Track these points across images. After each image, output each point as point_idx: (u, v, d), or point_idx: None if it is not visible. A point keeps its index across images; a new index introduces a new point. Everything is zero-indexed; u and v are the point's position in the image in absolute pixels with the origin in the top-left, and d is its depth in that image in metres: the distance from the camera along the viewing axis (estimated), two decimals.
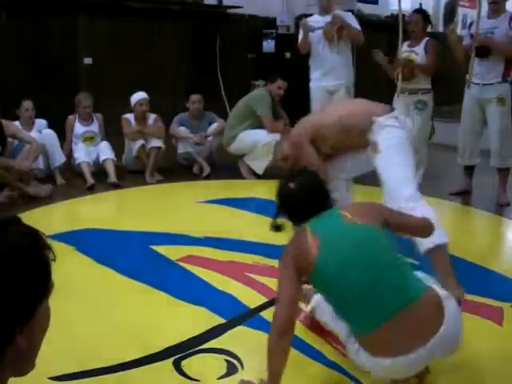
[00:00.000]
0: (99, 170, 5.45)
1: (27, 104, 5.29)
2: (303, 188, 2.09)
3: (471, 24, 4.70)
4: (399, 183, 2.79)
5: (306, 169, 2.34)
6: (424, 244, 2.67)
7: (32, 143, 4.94)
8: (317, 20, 5.37)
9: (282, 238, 3.83)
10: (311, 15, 5.63)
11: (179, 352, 2.37)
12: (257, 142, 5.30)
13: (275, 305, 2.00)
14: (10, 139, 4.93)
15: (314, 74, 5.46)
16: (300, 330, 2.54)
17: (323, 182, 2.19)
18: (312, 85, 5.48)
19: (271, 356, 1.95)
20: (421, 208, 2.66)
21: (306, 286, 2.35)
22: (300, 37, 5.43)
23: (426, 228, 2.19)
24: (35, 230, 0.97)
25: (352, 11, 6.16)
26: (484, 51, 4.45)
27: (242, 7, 8.17)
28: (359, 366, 2.01)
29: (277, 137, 5.33)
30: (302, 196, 2.08)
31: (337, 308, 2.03)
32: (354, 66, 5.63)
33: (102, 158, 5.41)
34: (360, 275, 1.88)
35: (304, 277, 1.99)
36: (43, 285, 0.95)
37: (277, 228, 2.17)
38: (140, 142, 5.52)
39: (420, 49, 5.05)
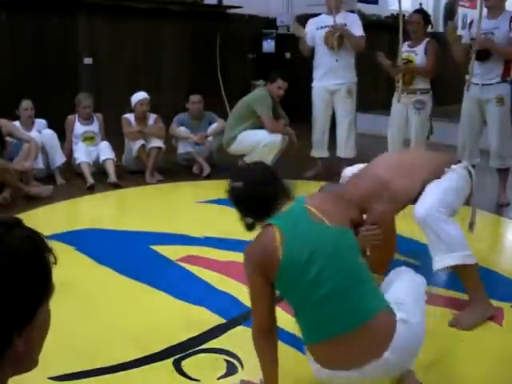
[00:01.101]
0: (99, 170, 5.45)
1: (26, 103, 5.28)
2: (252, 185, 2.02)
3: (471, 23, 4.70)
4: (438, 202, 2.65)
5: (255, 164, 2.21)
6: (445, 261, 2.63)
7: (30, 142, 4.94)
8: (324, 20, 5.36)
9: None
10: (316, 15, 5.61)
11: (179, 352, 2.37)
12: (257, 143, 5.29)
13: (252, 315, 1.97)
14: (9, 139, 4.93)
15: (316, 74, 5.46)
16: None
17: (274, 173, 2.11)
18: (314, 84, 5.48)
19: (258, 357, 1.99)
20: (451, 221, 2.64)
21: None
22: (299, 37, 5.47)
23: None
24: (36, 233, 0.96)
25: (352, 11, 6.15)
26: (484, 55, 4.45)
27: (242, 7, 8.17)
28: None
29: (277, 137, 5.34)
30: (252, 195, 2.01)
31: (295, 310, 1.97)
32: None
33: (102, 158, 5.41)
34: (322, 280, 1.83)
35: (272, 278, 1.90)
36: (43, 289, 0.94)
37: (249, 226, 2.07)
38: (140, 142, 5.52)
39: (420, 49, 5.05)
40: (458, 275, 2.71)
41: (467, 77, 4.63)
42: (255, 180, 2.04)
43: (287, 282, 1.88)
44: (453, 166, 2.82)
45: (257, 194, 2.01)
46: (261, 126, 5.36)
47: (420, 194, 2.76)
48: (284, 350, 2.39)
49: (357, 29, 5.25)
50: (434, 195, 2.68)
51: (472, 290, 2.70)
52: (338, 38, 5.15)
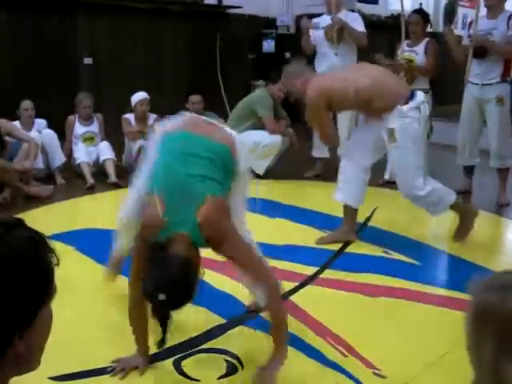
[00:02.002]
0: (99, 170, 5.45)
1: (26, 104, 5.28)
2: (175, 296, 1.91)
3: (471, 23, 4.70)
4: (412, 174, 3.39)
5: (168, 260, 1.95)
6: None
7: (30, 142, 4.94)
8: (325, 20, 5.36)
9: (282, 238, 3.84)
10: (316, 15, 5.61)
11: (179, 352, 2.37)
12: (258, 143, 5.29)
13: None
14: (8, 138, 4.93)
15: None
16: (300, 330, 2.55)
17: (188, 271, 1.95)
18: None
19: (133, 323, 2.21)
20: (433, 187, 3.44)
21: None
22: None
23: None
24: (38, 233, 0.95)
25: (352, 11, 6.15)
26: (481, 51, 4.45)
27: (241, 7, 8.16)
28: None
29: (278, 138, 5.34)
30: (178, 303, 1.95)
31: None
32: None
33: (102, 158, 5.41)
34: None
35: None
36: (44, 290, 0.94)
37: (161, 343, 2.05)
38: (140, 142, 5.51)
39: (420, 49, 5.05)
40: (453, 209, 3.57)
41: (466, 75, 4.64)
42: (178, 289, 1.92)
43: None
44: (403, 108, 3.26)
45: (182, 300, 1.96)
46: (261, 127, 5.37)
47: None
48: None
49: (357, 25, 5.25)
50: (405, 174, 3.41)
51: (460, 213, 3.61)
52: (337, 31, 5.15)
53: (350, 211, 3.66)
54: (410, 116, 3.28)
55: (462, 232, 3.67)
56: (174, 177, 2.11)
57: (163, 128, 2.37)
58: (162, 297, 1.85)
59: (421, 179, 3.42)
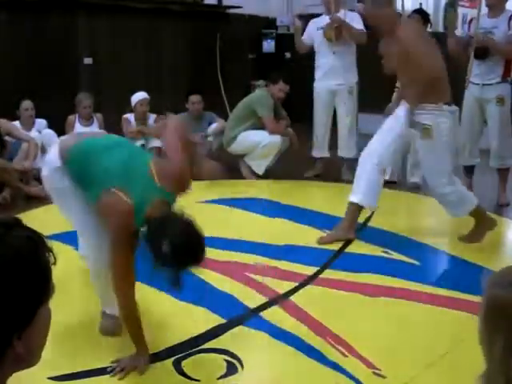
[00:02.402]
0: None
1: (27, 104, 5.28)
2: (183, 249, 2.07)
3: (471, 21, 4.69)
4: (439, 172, 3.51)
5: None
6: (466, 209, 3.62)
7: (30, 142, 4.94)
8: (324, 20, 5.36)
9: (282, 238, 3.84)
10: (316, 15, 5.62)
11: (179, 352, 2.37)
12: (257, 143, 5.29)
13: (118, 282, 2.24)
14: (8, 138, 4.93)
15: (317, 74, 5.47)
16: (300, 330, 2.55)
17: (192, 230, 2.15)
18: (315, 85, 5.49)
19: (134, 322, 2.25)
20: (457, 188, 3.55)
21: None
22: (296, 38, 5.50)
23: None
24: (36, 233, 0.95)
25: (352, 11, 6.15)
26: (482, 52, 4.45)
27: (241, 7, 8.16)
28: None
29: (277, 138, 5.34)
30: (187, 258, 2.09)
31: None
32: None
33: None
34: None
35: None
36: (43, 289, 0.94)
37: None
38: (140, 142, 5.52)
39: None
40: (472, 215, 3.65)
41: (467, 76, 4.64)
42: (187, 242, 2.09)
43: None
44: (444, 107, 3.41)
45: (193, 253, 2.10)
46: (261, 127, 5.37)
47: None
48: (283, 349, 2.39)
49: (356, 24, 5.25)
50: (433, 171, 3.55)
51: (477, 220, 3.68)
52: (335, 29, 5.15)
53: (353, 209, 3.66)
54: (448, 117, 3.45)
55: (472, 237, 3.70)
56: (118, 167, 2.25)
57: (64, 146, 2.44)
58: (165, 248, 2.00)
59: (446, 177, 3.52)
